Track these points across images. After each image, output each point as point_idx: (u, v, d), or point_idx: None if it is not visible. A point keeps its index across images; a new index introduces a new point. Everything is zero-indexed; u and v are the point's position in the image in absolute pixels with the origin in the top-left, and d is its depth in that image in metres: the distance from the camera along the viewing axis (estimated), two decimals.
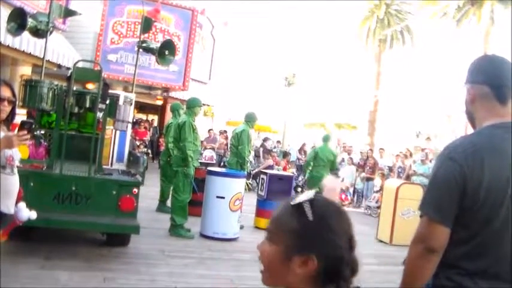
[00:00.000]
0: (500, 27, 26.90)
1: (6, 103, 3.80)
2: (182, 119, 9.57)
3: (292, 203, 1.44)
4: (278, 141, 25.75)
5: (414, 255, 2.30)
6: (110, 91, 8.39)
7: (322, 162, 12.86)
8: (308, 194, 1.44)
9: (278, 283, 1.45)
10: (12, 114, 3.92)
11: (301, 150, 21.87)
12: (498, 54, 2.53)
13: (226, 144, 22.63)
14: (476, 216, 2.25)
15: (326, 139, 13.53)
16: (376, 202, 15.33)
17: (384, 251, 10.17)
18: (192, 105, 9.75)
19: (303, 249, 1.39)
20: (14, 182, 3.92)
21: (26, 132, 3.75)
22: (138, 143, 19.60)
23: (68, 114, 7.48)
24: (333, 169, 13.25)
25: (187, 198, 9.43)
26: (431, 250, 2.25)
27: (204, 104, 25.92)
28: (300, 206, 1.42)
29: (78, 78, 7.71)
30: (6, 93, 3.80)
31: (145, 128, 23.66)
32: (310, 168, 13.18)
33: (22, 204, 4.06)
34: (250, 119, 11.38)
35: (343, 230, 1.43)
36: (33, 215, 4.16)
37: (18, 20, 8.50)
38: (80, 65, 8.34)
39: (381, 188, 14.09)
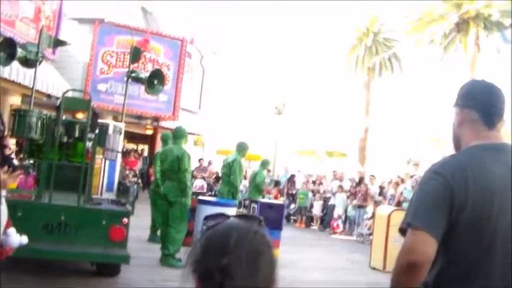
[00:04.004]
0: (486, 54, 27.29)
1: None
2: (179, 149, 9.45)
3: None
4: (268, 170, 25.68)
5: (398, 268, 2.26)
6: (99, 120, 8.36)
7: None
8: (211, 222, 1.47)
9: None
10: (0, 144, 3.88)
11: (290, 180, 21.85)
12: (487, 80, 2.57)
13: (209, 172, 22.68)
14: (464, 234, 2.24)
15: (262, 163, 14.53)
16: (368, 229, 15.28)
17: (377, 279, 10.09)
18: (182, 135, 9.73)
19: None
20: (1, 212, 3.87)
21: (19, 171, 3.79)
22: (128, 172, 19.49)
23: (57, 144, 7.43)
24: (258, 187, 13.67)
25: (184, 228, 9.37)
26: (415, 263, 2.19)
27: (194, 134, 25.98)
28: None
29: (68, 108, 7.71)
30: None
31: (135, 157, 23.59)
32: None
33: (12, 230, 3.98)
34: (241, 149, 11.40)
35: (216, 261, 1.35)
36: (24, 239, 4.08)
37: (8, 50, 8.52)
38: (70, 94, 8.34)
39: (373, 215, 14.06)
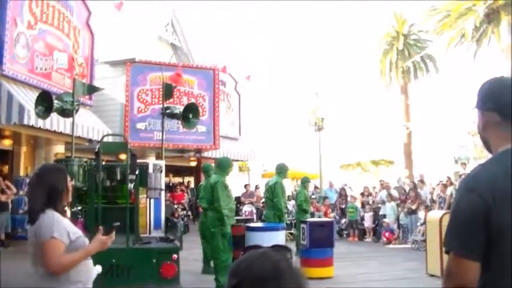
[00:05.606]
0: None
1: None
2: (214, 179, 9.56)
3: None
4: (316, 187, 25.51)
5: None
6: (141, 160, 8.50)
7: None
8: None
9: None
10: None
11: (341, 194, 21.62)
12: (507, 77, 2.49)
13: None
14: (507, 247, 2.16)
15: (302, 182, 14.92)
16: (422, 235, 15.01)
17: (436, 285, 9.88)
18: (225, 166, 9.78)
19: None
20: (92, 267, 4.00)
21: (113, 230, 4.08)
22: (176, 206, 19.69)
23: (100, 189, 7.58)
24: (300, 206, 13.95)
25: (229, 257, 9.35)
26: (462, 287, 2.18)
27: (237, 160, 26.09)
28: None
29: (106, 152, 7.86)
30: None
31: (181, 190, 23.78)
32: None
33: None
34: (281, 170, 11.41)
35: (229, 281, 1.63)
36: (98, 268, 4.17)
37: (45, 103, 8.76)
38: (109, 138, 8.49)
39: (425, 221, 13.81)
